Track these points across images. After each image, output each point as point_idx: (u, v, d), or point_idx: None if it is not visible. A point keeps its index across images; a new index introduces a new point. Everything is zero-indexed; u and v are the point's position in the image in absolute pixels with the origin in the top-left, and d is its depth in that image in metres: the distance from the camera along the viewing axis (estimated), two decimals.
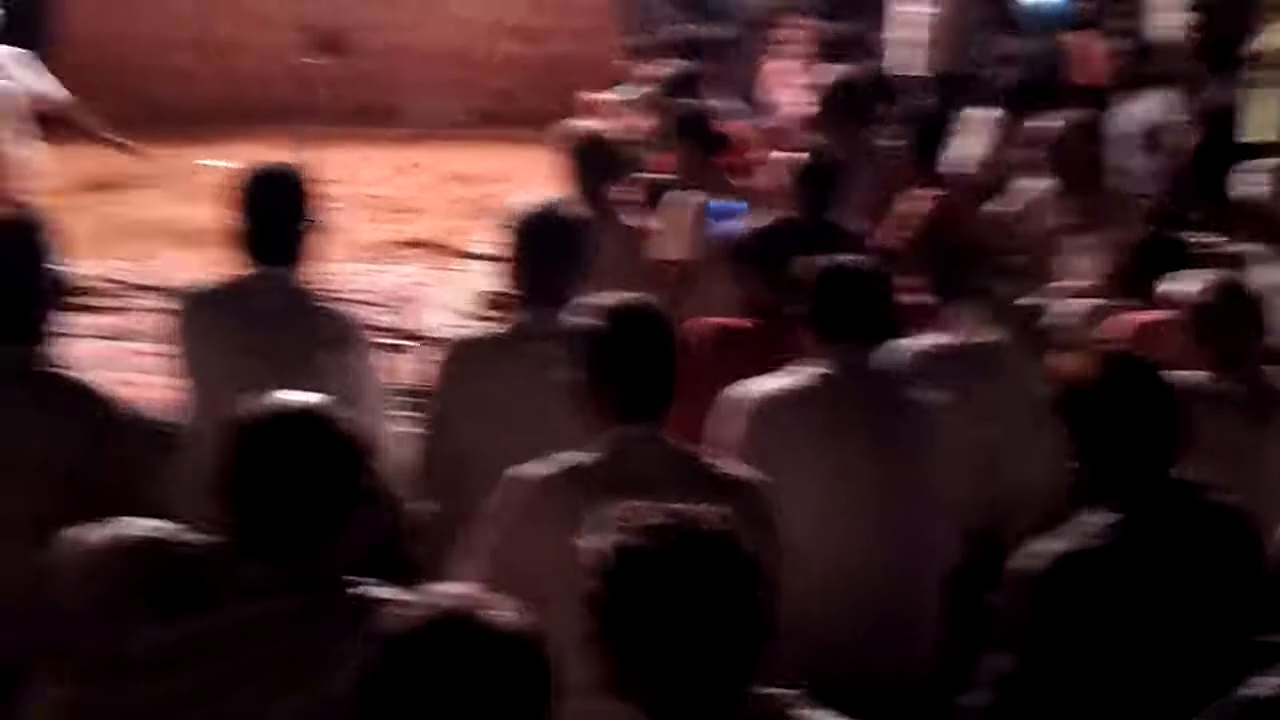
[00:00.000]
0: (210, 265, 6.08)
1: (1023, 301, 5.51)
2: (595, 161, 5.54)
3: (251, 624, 2.42)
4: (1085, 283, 5.77)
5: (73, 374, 3.47)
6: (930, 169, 6.21)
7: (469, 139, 10.67)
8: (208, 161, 8.91)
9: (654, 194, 6.36)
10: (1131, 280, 4.86)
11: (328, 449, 2.54)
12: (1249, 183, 5.89)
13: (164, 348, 4.17)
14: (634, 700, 2.14)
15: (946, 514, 3.65)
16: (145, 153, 7.93)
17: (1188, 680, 2.76)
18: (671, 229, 5.71)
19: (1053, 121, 6.14)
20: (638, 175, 6.95)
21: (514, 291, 4.00)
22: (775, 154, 6.27)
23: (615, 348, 3.10)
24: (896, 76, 8.56)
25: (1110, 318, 4.78)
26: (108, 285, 6.65)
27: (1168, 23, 8.87)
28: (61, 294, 3.59)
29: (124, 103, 9.38)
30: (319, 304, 4.15)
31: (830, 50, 8.36)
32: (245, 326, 3.97)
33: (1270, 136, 6.63)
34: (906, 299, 4.76)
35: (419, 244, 7.84)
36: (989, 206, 6.42)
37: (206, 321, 4.05)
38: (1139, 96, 7.56)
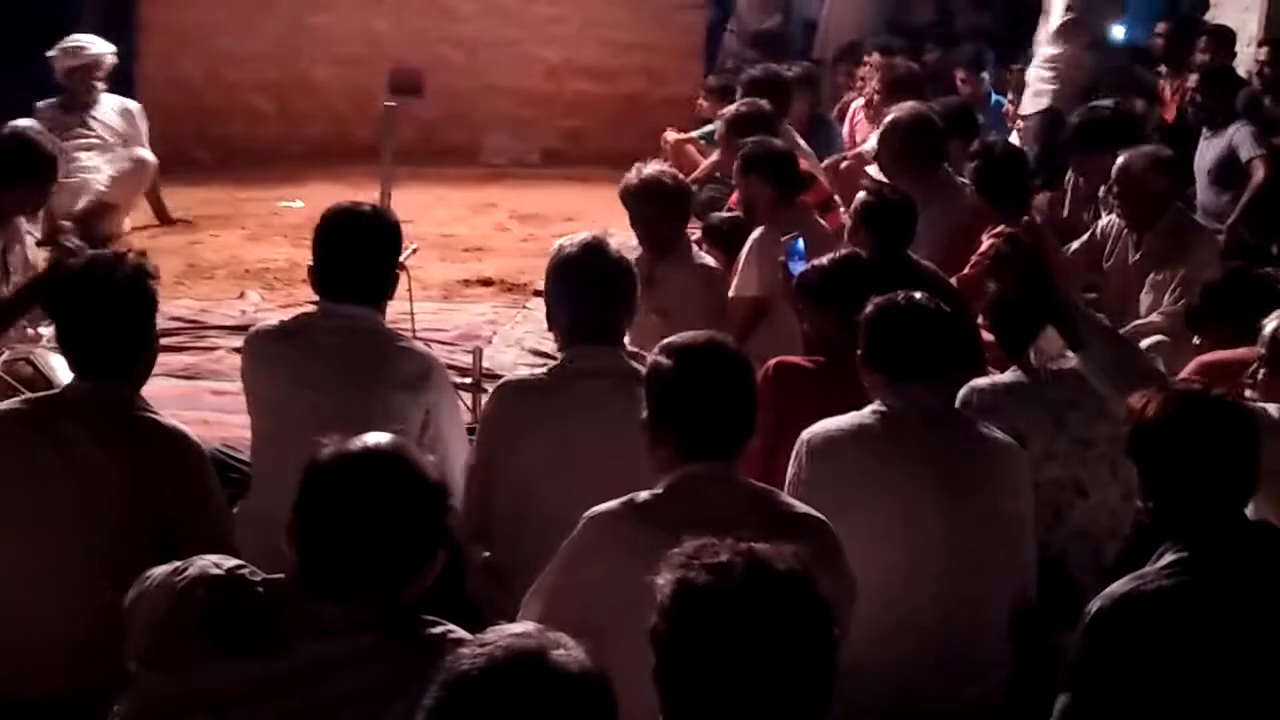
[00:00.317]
0: (290, 305, 6.17)
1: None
2: (665, 202, 5.56)
3: (323, 663, 2.44)
4: (1161, 319, 5.74)
5: (165, 419, 3.52)
6: (1006, 207, 6.18)
7: (542, 178, 10.73)
8: (287, 202, 9.02)
9: (729, 232, 6.38)
10: (1208, 316, 4.82)
11: (410, 493, 2.55)
12: None
13: (239, 386, 4.22)
14: None
15: (1014, 551, 3.62)
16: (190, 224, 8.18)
17: None
18: (744, 267, 5.72)
19: (1125, 156, 6.10)
20: (713, 213, 7.00)
21: (560, 332, 3.99)
22: (852, 191, 6.27)
23: (683, 386, 3.09)
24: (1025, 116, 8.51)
25: (1185, 354, 4.75)
26: (187, 325, 6.73)
27: (1240, 58, 8.82)
28: (159, 338, 3.67)
29: (204, 144, 9.53)
30: (397, 342, 4.15)
31: (904, 87, 8.33)
32: (316, 362, 3.98)
33: None
34: (986, 337, 4.75)
35: (491, 283, 7.88)
36: (1067, 245, 6.40)
37: (276, 357, 4.06)
38: (1212, 132, 7.51)
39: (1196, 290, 5.05)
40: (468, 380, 5.48)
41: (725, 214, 6.80)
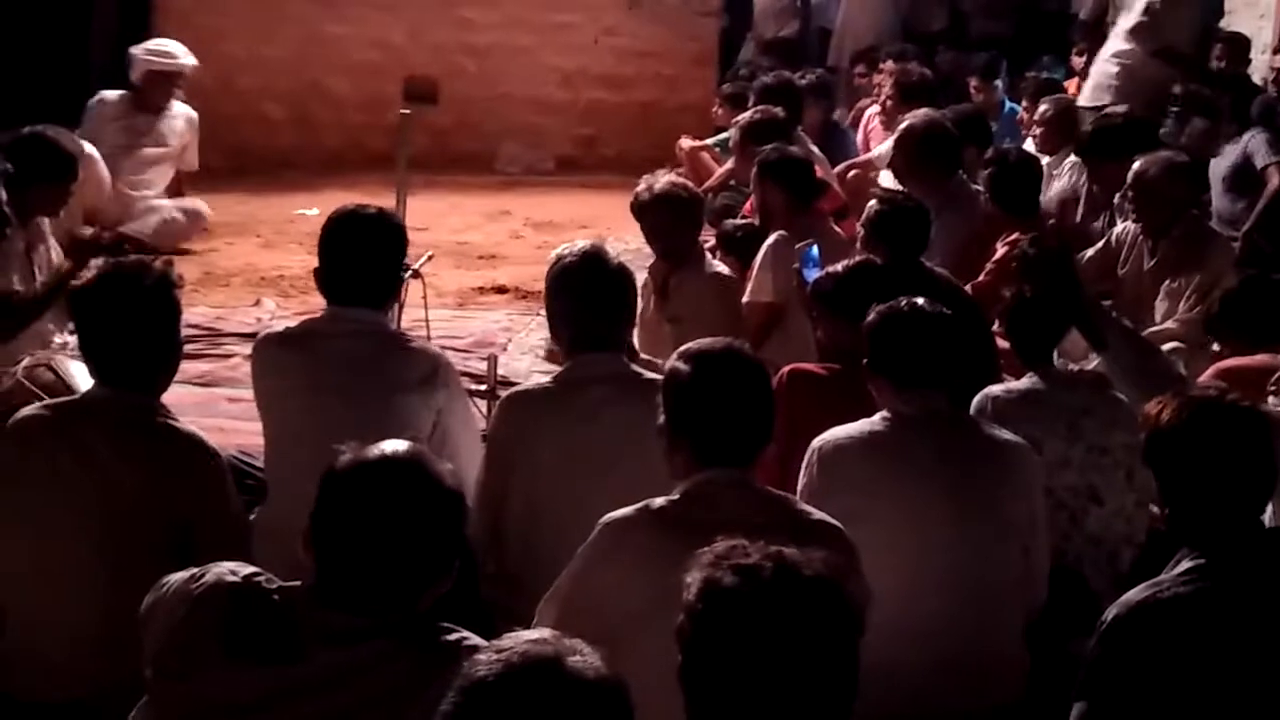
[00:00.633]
0: (305, 312, 6.18)
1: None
2: (678, 212, 5.58)
3: (339, 670, 2.44)
4: (1176, 326, 5.73)
5: (184, 426, 3.53)
6: (1021, 214, 6.18)
7: (556, 186, 10.75)
8: (303, 210, 9.04)
9: (743, 239, 6.38)
10: (1226, 323, 4.81)
11: (427, 501, 2.55)
12: None
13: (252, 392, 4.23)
14: None
15: (1025, 554, 3.62)
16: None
17: None
18: (759, 274, 5.72)
19: (1141, 163, 6.10)
20: (728, 220, 7.00)
21: (561, 341, 4.00)
22: (860, 200, 6.28)
23: (700, 392, 3.09)
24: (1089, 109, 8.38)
25: (1201, 361, 4.74)
26: (203, 332, 6.74)
27: (1254, 65, 8.80)
28: (182, 346, 3.68)
29: (220, 152, 9.54)
30: (405, 343, 4.16)
31: (917, 93, 8.34)
32: (324, 367, 3.98)
33: None
34: (1002, 344, 4.75)
35: (505, 290, 7.90)
36: (1081, 252, 6.39)
37: (284, 362, 4.07)
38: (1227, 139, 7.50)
39: (1212, 297, 5.04)
40: (483, 387, 5.49)
41: (740, 221, 6.80)
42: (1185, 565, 2.94)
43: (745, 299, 5.68)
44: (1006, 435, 3.70)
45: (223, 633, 2.45)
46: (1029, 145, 7.83)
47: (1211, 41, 8.99)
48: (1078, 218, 7.10)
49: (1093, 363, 4.38)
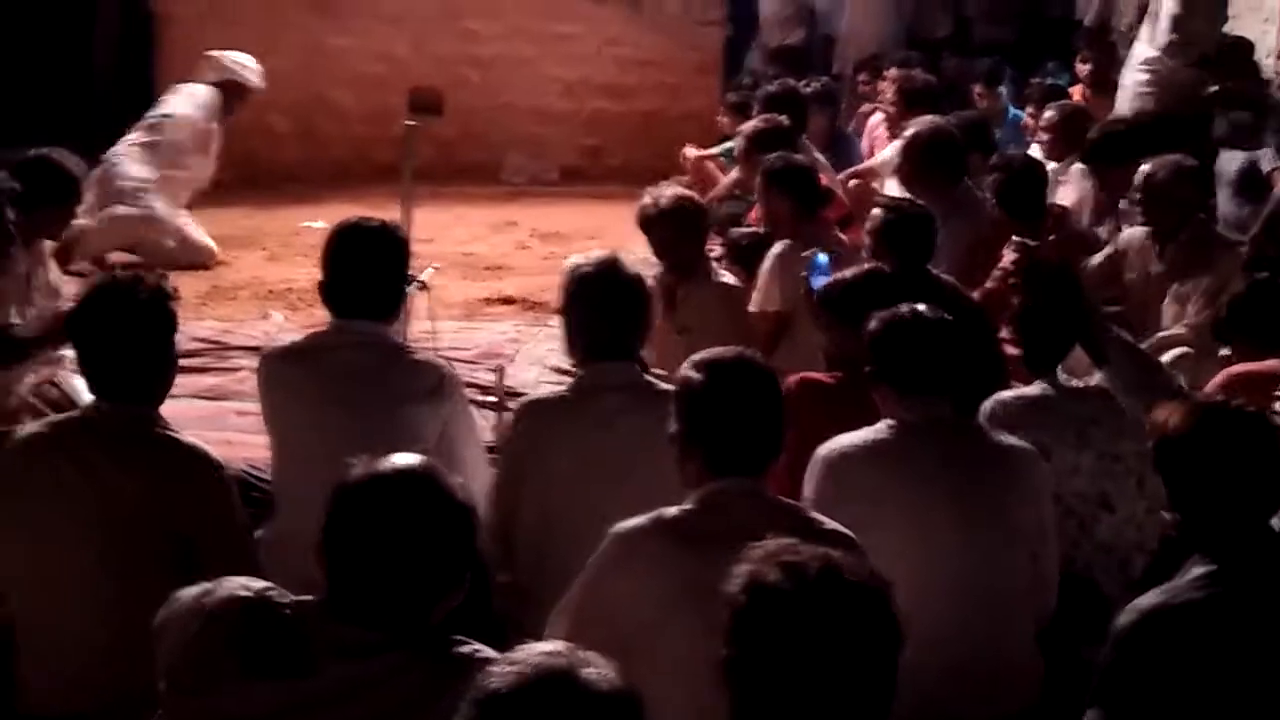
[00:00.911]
0: (312, 325, 6.18)
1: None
2: (684, 224, 5.59)
3: (352, 684, 2.44)
4: (1185, 331, 5.72)
5: (185, 438, 3.54)
6: (1026, 220, 6.17)
7: (561, 196, 10.75)
8: (310, 223, 9.04)
9: (749, 248, 6.38)
10: (1235, 328, 4.80)
11: (439, 514, 2.55)
12: None
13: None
14: None
15: (1033, 559, 3.61)
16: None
17: None
18: (766, 282, 5.72)
19: (1149, 166, 6.09)
20: (734, 229, 7.00)
21: (576, 350, 4.00)
22: (862, 208, 6.28)
23: (710, 402, 3.09)
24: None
25: (1209, 366, 4.73)
26: (210, 346, 6.74)
27: (1260, 69, 8.78)
28: (178, 358, 3.67)
29: (225, 165, 9.53)
30: (410, 355, 4.17)
31: (920, 99, 8.33)
32: (330, 380, 3.99)
33: None
34: (1010, 350, 4.74)
35: (512, 301, 7.89)
36: (1088, 256, 6.39)
37: (290, 376, 4.07)
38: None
39: (1220, 302, 5.04)
40: (491, 399, 5.48)
41: (746, 230, 6.81)
42: (1197, 571, 2.93)
43: (752, 308, 5.68)
44: (1013, 441, 3.70)
45: (236, 647, 2.45)
46: (1034, 151, 7.82)
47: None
48: (1084, 222, 7.09)
49: (1095, 378, 4.37)
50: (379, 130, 9.99)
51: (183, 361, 3.74)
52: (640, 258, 5.67)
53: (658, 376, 3.89)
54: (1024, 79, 9.73)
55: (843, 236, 6.19)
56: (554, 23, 11.48)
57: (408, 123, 6.18)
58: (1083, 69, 9.30)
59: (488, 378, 5.82)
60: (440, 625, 2.54)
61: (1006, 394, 4.28)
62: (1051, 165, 7.36)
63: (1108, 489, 4.13)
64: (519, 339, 7.14)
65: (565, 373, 6.19)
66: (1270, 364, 4.41)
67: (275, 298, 7.75)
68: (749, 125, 7.44)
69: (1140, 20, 10.36)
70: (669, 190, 5.81)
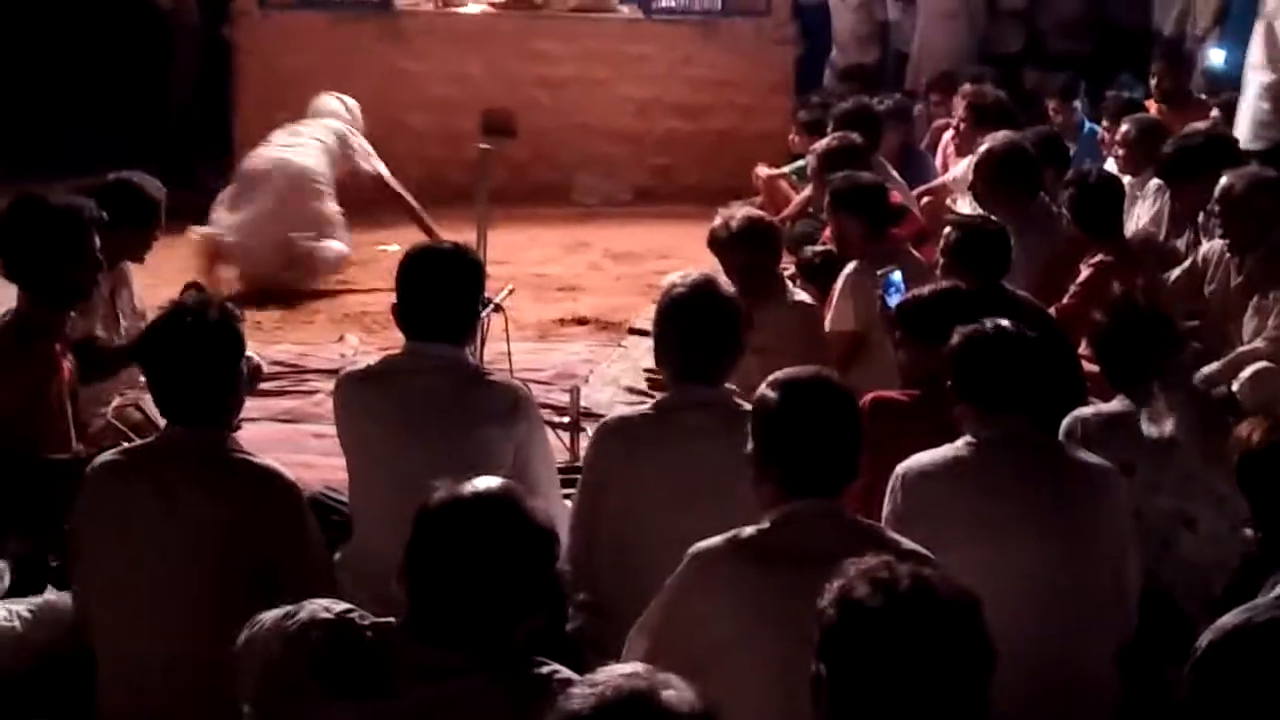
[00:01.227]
0: (388, 347, 6.23)
1: (1204, 369, 5.44)
2: (757, 244, 5.58)
3: (433, 705, 2.45)
4: (1265, 345, 5.65)
5: (260, 460, 3.57)
6: (1102, 235, 6.12)
7: (633, 216, 10.76)
8: (385, 246, 9.11)
9: (822, 266, 6.37)
10: None
11: (521, 538, 2.57)
12: None
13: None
14: None
15: (1114, 579, 3.57)
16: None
17: None
18: (839, 303, 5.71)
19: (1227, 179, 6.03)
20: (807, 248, 6.99)
21: (666, 369, 4.00)
22: (935, 225, 6.25)
23: (788, 421, 3.09)
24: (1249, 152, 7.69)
25: None
26: (287, 369, 6.80)
27: None
28: (252, 381, 3.71)
29: None
30: (484, 377, 4.18)
31: (992, 115, 8.28)
32: (405, 403, 4.01)
33: None
34: (1088, 367, 4.71)
35: (585, 321, 7.91)
36: (1167, 272, 6.33)
37: (366, 399, 4.09)
38: None
39: None
40: (565, 419, 5.50)
41: (819, 248, 6.79)
42: None
43: (827, 328, 5.66)
44: (1092, 459, 3.66)
45: (318, 669, 2.47)
46: (1110, 165, 7.76)
47: None
48: (1160, 236, 7.03)
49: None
50: (453, 152, 10.04)
51: (261, 385, 3.76)
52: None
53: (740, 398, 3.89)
54: (1100, 92, 9.65)
55: (917, 254, 6.16)
56: (626, 43, 11.51)
57: (482, 146, 6.22)
58: (1155, 82, 9.21)
59: (562, 399, 5.84)
60: (520, 647, 2.55)
61: (1086, 411, 4.25)
62: (1128, 179, 7.30)
63: (1188, 506, 4.08)
64: (593, 359, 7.17)
65: (639, 393, 6.21)
66: None
67: (351, 321, 7.81)
68: (821, 144, 7.42)
69: (1216, 24, 10.28)
70: (740, 211, 5.81)
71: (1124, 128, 7.73)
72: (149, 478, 3.46)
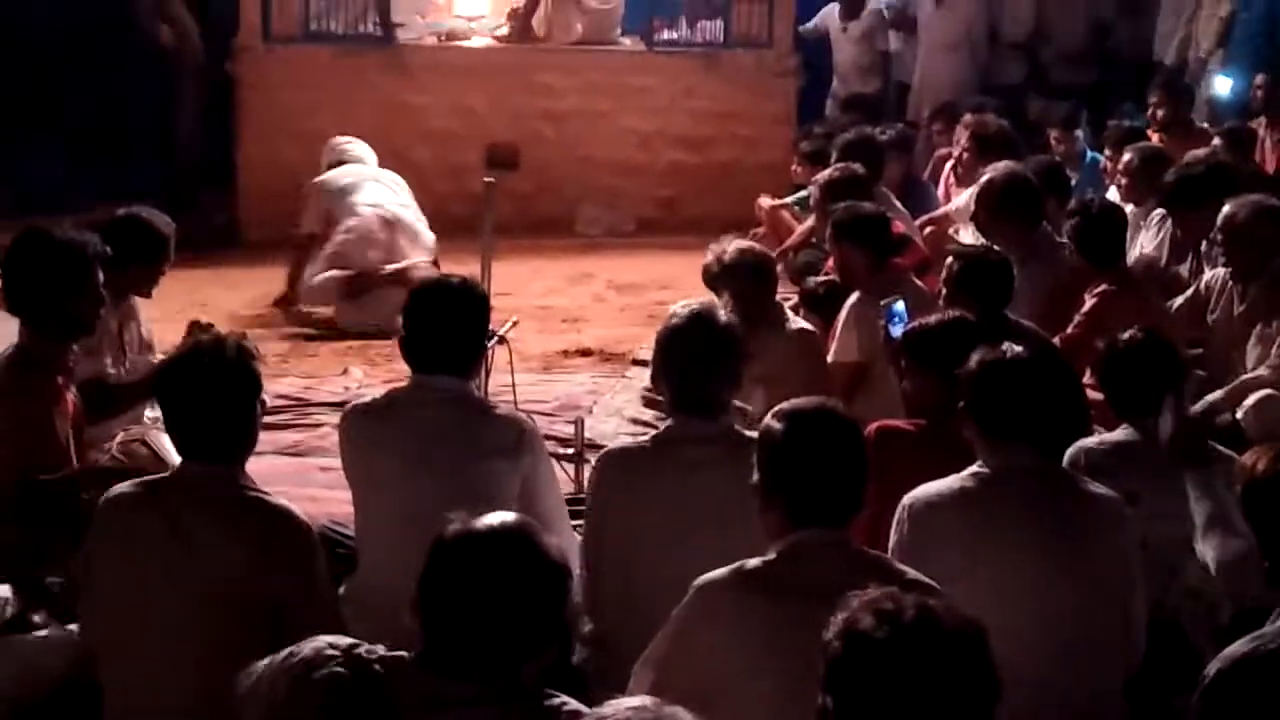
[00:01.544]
0: (392, 380, 6.23)
1: (1207, 397, 5.44)
2: (751, 275, 5.60)
3: None
4: (1268, 373, 5.65)
5: (273, 499, 3.56)
6: (1104, 265, 6.13)
7: (637, 247, 10.78)
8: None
9: (825, 296, 6.38)
10: None
11: (535, 574, 2.57)
12: None
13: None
14: None
15: (1122, 610, 3.57)
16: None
17: None
18: (843, 333, 5.71)
19: (1230, 207, 6.04)
20: (810, 278, 7.00)
21: (665, 399, 4.00)
22: (938, 255, 6.25)
23: (791, 452, 3.10)
24: None
25: None
26: (292, 402, 6.81)
27: None
28: (262, 416, 3.72)
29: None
30: (491, 411, 4.19)
31: (994, 145, 8.30)
32: (411, 436, 4.02)
33: None
34: (1091, 396, 4.70)
35: (589, 353, 7.92)
36: (1170, 300, 6.33)
37: (371, 432, 4.11)
38: None
39: None
40: (570, 451, 5.50)
41: (821, 278, 6.80)
42: None
43: (830, 359, 5.67)
44: (1100, 489, 3.66)
45: (326, 706, 2.47)
46: (1113, 195, 7.77)
47: None
48: (1162, 264, 7.03)
49: None
50: (456, 186, 10.07)
51: (265, 418, 3.77)
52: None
53: (746, 418, 3.89)
54: (1102, 122, 9.68)
55: (920, 284, 6.17)
56: (629, 76, 11.55)
57: (486, 180, 6.23)
58: (1151, 112, 9.24)
59: (566, 430, 5.84)
60: (532, 682, 2.55)
61: (1091, 441, 4.25)
62: (1131, 208, 7.31)
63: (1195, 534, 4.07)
64: (597, 390, 7.17)
65: (644, 424, 6.21)
66: None
67: (355, 354, 7.82)
68: (823, 174, 7.44)
69: (1219, 46, 10.32)
70: (731, 244, 5.84)
71: (1127, 156, 7.74)
72: (163, 514, 3.46)
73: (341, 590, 3.93)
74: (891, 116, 11.15)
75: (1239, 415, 5.34)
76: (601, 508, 3.85)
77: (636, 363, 7.45)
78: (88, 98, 11.36)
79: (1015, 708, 3.30)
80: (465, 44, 11.66)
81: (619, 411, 6.76)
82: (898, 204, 7.89)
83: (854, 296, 5.76)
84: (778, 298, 5.96)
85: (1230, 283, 6.09)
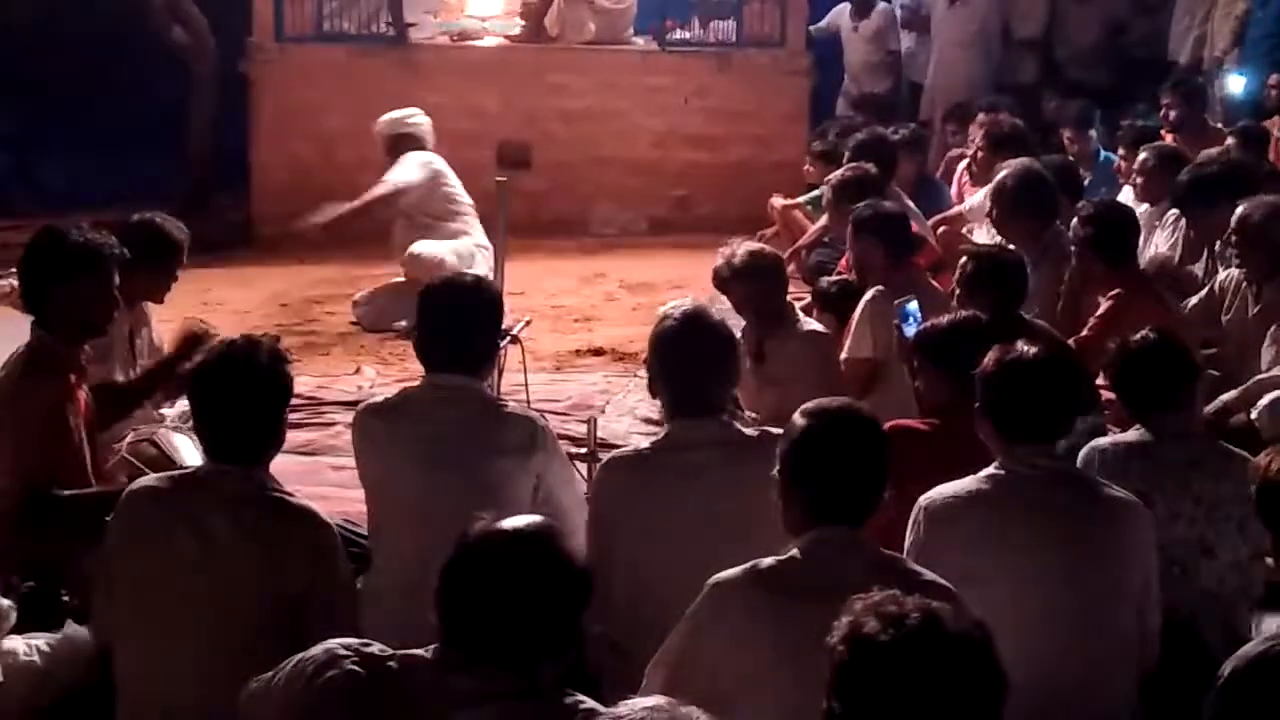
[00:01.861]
0: (405, 379, 6.24)
1: (1221, 398, 5.43)
2: (762, 277, 5.60)
3: None
4: None
5: (296, 499, 3.57)
6: (1117, 264, 6.11)
7: (650, 247, 10.78)
8: (401, 279, 9.12)
9: (839, 296, 6.37)
10: None
11: (556, 577, 2.59)
12: None
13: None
14: None
15: (1138, 612, 3.56)
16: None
17: None
18: (858, 330, 5.71)
19: (1244, 208, 6.02)
20: (823, 278, 6.99)
21: (662, 403, 3.99)
22: (951, 254, 6.25)
23: (815, 448, 3.10)
24: None
25: None
26: (305, 401, 6.81)
27: None
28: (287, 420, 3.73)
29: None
30: (502, 409, 4.19)
31: (1008, 144, 8.28)
32: (424, 435, 4.02)
33: None
34: (1106, 395, 4.70)
35: (602, 352, 7.92)
36: (1184, 299, 6.32)
37: (385, 431, 4.11)
38: None
39: None
40: (583, 450, 5.50)
41: (835, 278, 6.79)
42: None
43: (844, 355, 5.66)
44: (1117, 492, 3.65)
45: (344, 705, 2.47)
46: (1126, 194, 7.75)
47: None
48: (1175, 263, 7.01)
49: None
50: (469, 185, 10.04)
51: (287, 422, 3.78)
52: (727, 307, 5.71)
53: (749, 420, 3.88)
54: (1117, 122, 9.66)
55: (934, 283, 6.16)
56: (642, 75, 11.55)
57: (498, 179, 6.23)
58: (1164, 113, 9.22)
59: (579, 429, 5.83)
60: (550, 684, 2.56)
61: (1104, 441, 4.24)
62: (1147, 208, 7.29)
63: (1208, 534, 4.06)
64: (609, 390, 7.17)
65: (656, 423, 6.21)
66: None
67: (368, 353, 7.83)
68: (836, 175, 7.44)
69: (1235, 45, 10.29)
70: (741, 247, 5.84)
71: (1142, 156, 7.72)
72: (186, 511, 3.47)
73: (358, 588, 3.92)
74: (904, 115, 11.14)
75: (1253, 416, 5.32)
76: (606, 512, 3.85)
77: (646, 364, 7.44)
78: (102, 98, 11.38)
79: (1030, 708, 3.32)
80: (478, 43, 11.67)
81: (631, 411, 6.76)
82: (910, 203, 7.87)
83: (870, 293, 5.75)
84: (790, 298, 5.95)
85: (1245, 283, 6.07)
